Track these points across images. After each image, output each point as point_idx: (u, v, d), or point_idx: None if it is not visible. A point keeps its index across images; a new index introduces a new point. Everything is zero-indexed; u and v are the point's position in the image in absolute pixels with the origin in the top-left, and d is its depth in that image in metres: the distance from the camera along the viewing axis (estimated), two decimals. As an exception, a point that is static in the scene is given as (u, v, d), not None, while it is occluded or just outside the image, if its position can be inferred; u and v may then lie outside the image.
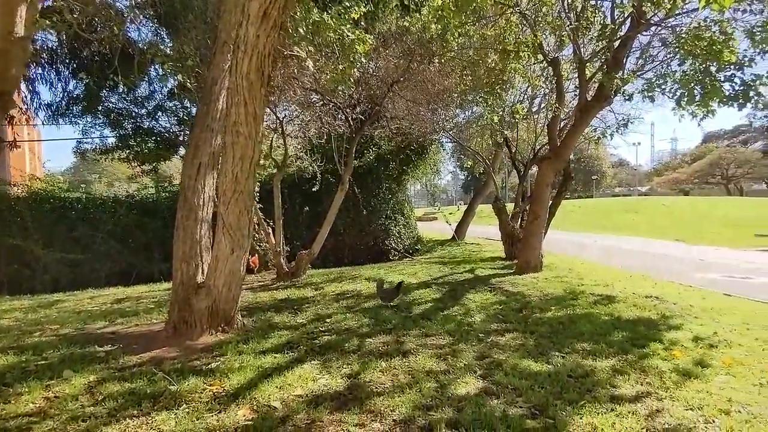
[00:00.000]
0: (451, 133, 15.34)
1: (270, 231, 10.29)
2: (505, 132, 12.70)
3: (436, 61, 9.61)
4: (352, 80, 7.81)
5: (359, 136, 9.67)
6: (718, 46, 7.62)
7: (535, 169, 13.89)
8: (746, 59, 8.01)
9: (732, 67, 8.11)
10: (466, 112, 13.93)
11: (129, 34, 10.33)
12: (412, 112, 10.72)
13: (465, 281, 9.07)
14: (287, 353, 4.75)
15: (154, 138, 14.20)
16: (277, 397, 3.64)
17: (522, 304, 6.87)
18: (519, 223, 13.18)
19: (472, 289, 8.08)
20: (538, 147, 13.88)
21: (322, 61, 7.67)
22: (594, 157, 61.40)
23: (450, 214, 35.68)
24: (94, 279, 12.61)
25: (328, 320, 6.14)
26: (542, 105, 14.24)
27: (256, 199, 12.44)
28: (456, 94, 10.40)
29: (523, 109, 10.73)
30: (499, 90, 9.74)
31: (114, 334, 5.81)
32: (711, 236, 20.98)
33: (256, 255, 12.43)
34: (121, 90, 13.23)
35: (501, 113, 10.36)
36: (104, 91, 13.38)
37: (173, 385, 3.90)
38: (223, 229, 5.19)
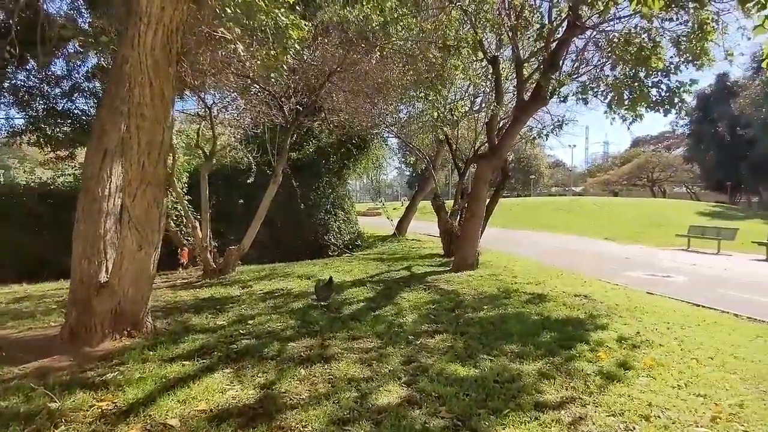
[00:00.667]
0: (393, 128, 15.17)
1: (197, 224, 9.63)
2: (446, 129, 12.68)
3: (377, 53, 9.36)
4: (286, 68, 7.41)
5: (294, 127, 9.22)
6: (647, 53, 7.88)
7: (474, 167, 14.03)
8: (672, 66, 8.36)
9: (659, 73, 8.44)
10: (408, 108, 13.79)
11: (43, 5, 9.28)
12: (352, 104, 10.40)
13: (401, 279, 8.90)
14: (198, 360, 4.31)
15: (70, 121, 12.91)
16: (177, 413, 3.23)
17: (455, 304, 6.78)
18: (458, 220, 13.24)
19: (407, 288, 7.91)
20: (478, 145, 14.01)
21: (253, 46, 7.17)
22: (532, 158, 63.71)
23: (394, 209, 35.71)
24: (0, 275, 11.32)
25: (250, 322, 5.72)
26: (482, 104, 14.41)
27: (184, 190, 11.76)
28: (397, 89, 10.18)
29: (463, 106, 10.73)
30: (439, 86, 9.62)
31: (-1, 341, 5.10)
32: (637, 235, 22.24)
33: (186, 250, 11.67)
34: (30, 66, 11.90)
35: (441, 109, 10.28)
36: (10, 67, 11.97)
37: (55, 401, 3.39)
38: (129, 223, 4.65)
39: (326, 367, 4.11)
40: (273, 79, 8.10)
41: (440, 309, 6.44)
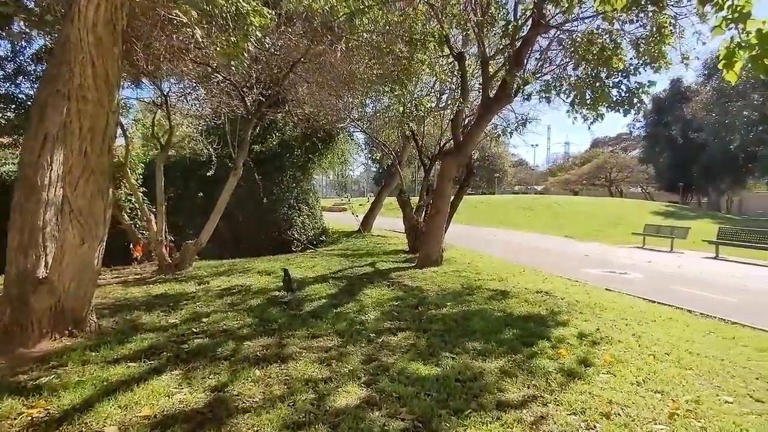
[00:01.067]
0: (359, 123, 14.99)
1: (152, 218, 9.18)
2: (412, 125, 12.61)
3: (343, 45, 9.15)
4: (247, 56, 7.12)
5: (256, 118, 8.91)
6: (609, 53, 8.02)
7: (440, 163, 14.04)
8: (632, 68, 8.55)
9: (619, 74, 8.62)
10: (374, 103, 13.64)
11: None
12: (317, 97, 10.16)
13: (364, 275, 8.77)
14: (145, 362, 4.04)
15: (13, 106, 12.08)
16: (117, 420, 2.99)
17: (419, 300, 6.70)
18: (423, 216, 13.22)
19: (370, 284, 7.79)
20: (443, 142, 14.02)
21: (212, 32, 6.85)
22: (496, 156, 64.79)
23: (360, 205, 35.47)
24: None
25: (204, 320, 5.45)
26: (448, 101, 14.43)
27: (139, 182, 11.21)
28: (363, 82, 10.00)
29: (429, 101, 10.68)
30: (405, 80, 9.51)
31: None
32: (595, 234, 22.92)
33: (140, 244, 11.14)
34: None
35: (407, 105, 10.19)
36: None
37: (-24, 410, 3.08)
38: (70, 214, 4.32)
39: (283, 367, 3.93)
40: (234, 68, 7.79)
41: (403, 306, 6.34)
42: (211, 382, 3.61)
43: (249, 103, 8.70)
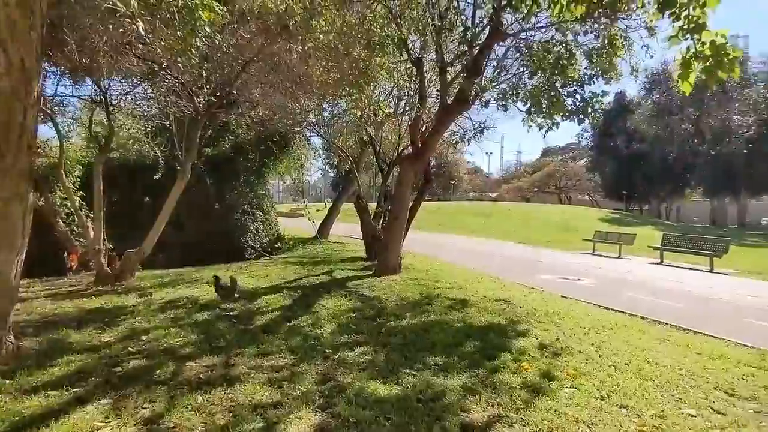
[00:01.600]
0: (316, 127, 14.65)
1: (89, 224, 8.46)
2: (370, 130, 12.41)
3: (299, 47, 8.83)
4: (195, 52, 6.68)
5: (205, 119, 8.39)
6: (564, 62, 8.13)
7: (398, 169, 13.92)
8: (586, 77, 8.73)
9: (574, 84, 8.77)
10: (332, 107, 13.35)
11: None
12: (272, 99, 9.74)
13: (321, 285, 8.43)
14: (69, 389, 3.57)
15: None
16: (26, 466, 2.56)
17: (377, 311, 6.45)
18: (381, 223, 13.01)
19: (326, 294, 7.46)
20: (401, 148, 13.90)
21: (157, 25, 6.38)
22: (453, 164, 65.80)
23: (317, 211, 34.91)
24: None
25: (143, 338, 4.97)
26: (406, 107, 14.35)
27: (76, 185, 10.38)
28: (320, 86, 9.69)
29: (387, 106, 10.52)
30: (363, 84, 9.30)
31: None
32: (548, 240, 23.52)
33: (76, 252, 10.29)
34: None
35: (365, 109, 9.98)
36: None
37: None
38: (-19, 222, 3.78)
39: (229, 391, 3.57)
40: (181, 66, 7.30)
41: (361, 318, 6.08)
42: (145, 412, 3.21)
43: (198, 104, 8.18)
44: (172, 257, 13.02)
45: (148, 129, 10.47)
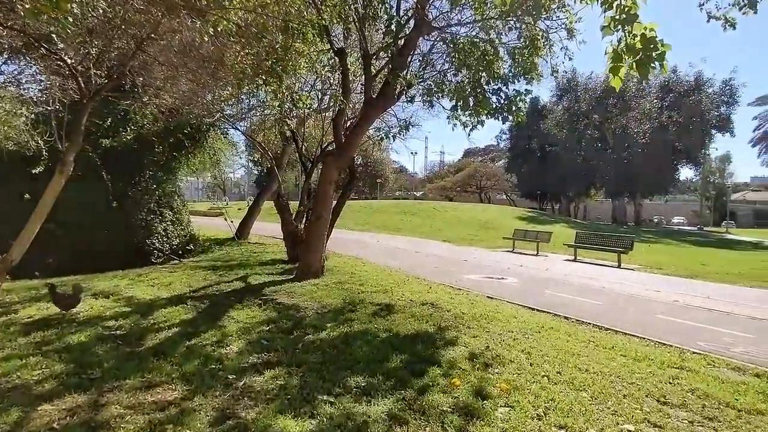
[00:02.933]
0: (232, 119, 13.56)
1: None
2: (291, 124, 11.63)
3: (210, 28, 7.89)
4: (72, 21, 5.59)
5: (92, 104, 7.16)
6: (490, 57, 7.96)
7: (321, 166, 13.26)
8: (510, 76, 8.65)
9: (499, 81, 8.65)
10: (250, 98, 12.33)
11: None
12: (179, 86, 8.66)
13: (233, 293, 7.59)
14: None
15: None
16: None
17: (294, 322, 5.80)
18: (303, 222, 12.28)
19: (238, 304, 6.67)
20: (325, 144, 13.27)
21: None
22: (379, 162, 66.01)
23: (238, 209, 33.10)
24: None
25: (-9, 371, 3.94)
26: (330, 102, 13.72)
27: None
28: (232, 72, 8.78)
29: (308, 98, 9.83)
30: (281, 72, 8.54)
31: None
32: (471, 238, 23.96)
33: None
34: None
35: (285, 100, 9.23)
36: None
37: None
38: None
39: (92, 443, 2.78)
40: (56, 37, 6.13)
41: (275, 331, 5.40)
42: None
43: (85, 86, 6.95)
44: (62, 263, 11.38)
45: (26, 114, 8.89)
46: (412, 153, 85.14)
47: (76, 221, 11.51)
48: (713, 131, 46.74)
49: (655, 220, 59.94)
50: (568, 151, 52.93)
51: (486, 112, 8.60)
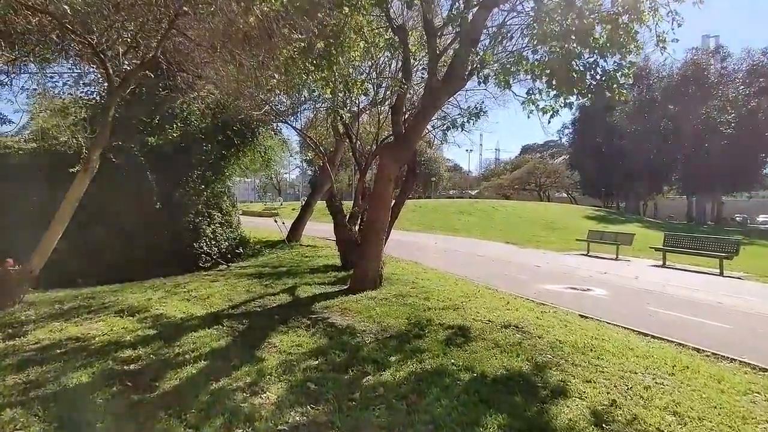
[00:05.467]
0: (282, 113, 12.69)
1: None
2: (345, 115, 10.50)
3: (256, 9, 6.87)
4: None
5: (120, 92, 6.30)
6: (588, 20, 6.40)
7: (377, 163, 12.09)
8: (609, 46, 7.00)
9: (596, 54, 7.06)
10: (300, 89, 11.29)
11: None
12: (220, 71, 7.72)
13: (278, 309, 6.49)
14: None
15: None
16: None
17: (350, 354, 4.58)
18: (357, 224, 11.13)
19: (282, 326, 5.54)
20: (382, 139, 12.08)
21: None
22: (432, 160, 64.30)
23: (293, 210, 32.72)
24: None
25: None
26: (386, 93, 12.51)
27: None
28: (280, 54, 7.74)
29: (363, 84, 8.62)
30: (335, 53, 7.39)
31: None
32: (536, 239, 21.99)
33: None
34: None
35: (337, 87, 8.11)
36: None
37: None
38: None
39: None
40: (70, 14, 5.27)
41: (326, 368, 4.19)
42: None
43: (114, 71, 6.11)
44: (107, 270, 10.88)
45: (63, 108, 8.32)
46: (467, 150, 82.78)
47: (119, 225, 10.97)
48: (812, 118, 41.27)
49: (738, 218, 54.20)
50: (638, 145, 48.86)
51: (580, 90, 7.05)
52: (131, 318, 5.72)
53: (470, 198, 61.38)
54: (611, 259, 15.76)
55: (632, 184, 54.07)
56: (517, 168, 73.36)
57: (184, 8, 5.58)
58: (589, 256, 16.60)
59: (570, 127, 61.52)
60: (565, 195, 72.54)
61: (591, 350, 5.13)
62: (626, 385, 4.09)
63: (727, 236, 19.63)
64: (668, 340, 5.98)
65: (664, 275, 12.30)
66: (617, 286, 10.36)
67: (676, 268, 13.75)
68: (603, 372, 4.41)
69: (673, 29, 7.10)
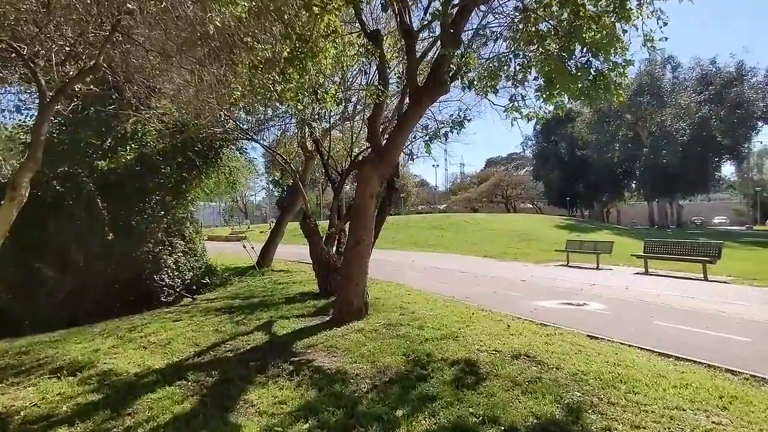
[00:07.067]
0: (250, 133, 11.82)
1: None
2: (315, 129, 9.74)
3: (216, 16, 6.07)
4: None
5: (54, 105, 5.28)
6: (585, 14, 5.92)
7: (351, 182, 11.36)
8: (603, 43, 6.55)
9: (587, 52, 6.60)
10: (266, 102, 10.46)
11: None
12: (171, 80, 6.84)
13: (254, 351, 5.57)
14: None
15: None
16: None
17: (347, 410, 3.74)
18: (335, 247, 10.30)
19: (260, 375, 4.64)
20: (356, 152, 11.37)
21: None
22: (402, 176, 64.15)
23: (261, 233, 31.43)
24: None
25: None
26: (357, 106, 11.87)
27: None
28: (242, 62, 6.93)
29: (338, 92, 7.90)
30: (305, 58, 6.66)
31: None
32: (513, 252, 21.61)
33: None
34: None
35: (306, 96, 7.39)
36: None
37: None
38: None
39: None
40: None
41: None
42: None
43: (42, 79, 5.14)
44: (56, 308, 9.65)
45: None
46: (433, 166, 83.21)
47: (66, 259, 9.75)
48: (760, 123, 43.34)
49: (697, 221, 56.17)
50: (599, 155, 50.14)
51: (574, 91, 6.56)
52: (71, 378, 4.64)
53: (439, 212, 61.31)
54: (592, 268, 15.47)
55: (596, 192, 55.37)
56: (484, 181, 74.21)
57: (129, 5, 4.72)
58: (569, 266, 16.27)
59: (533, 138, 62.83)
60: (531, 205, 73.75)
61: (621, 382, 4.48)
62: (681, 429, 3.43)
63: (693, 239, 19.80)
64: (694, 361, 5.40)
65: (652, 284, 11.97)
66: (611, 298, 9.88)
67: (659, 275, 13.51)
68: (647, 412, 3.75)
69: (661, 28, 6.72)
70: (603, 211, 60.56)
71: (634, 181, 52.57)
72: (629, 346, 6.14)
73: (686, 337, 6.62)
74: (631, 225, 52.52)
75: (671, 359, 5.53)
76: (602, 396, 4.11)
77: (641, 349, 5.97)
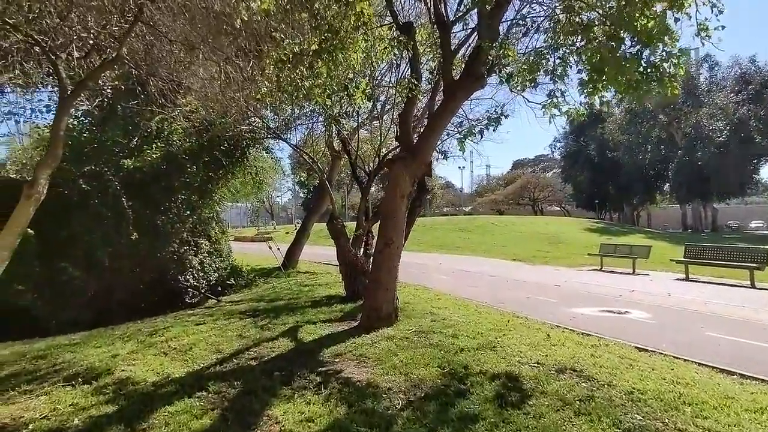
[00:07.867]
0: (273, 127, 11.59)
1: None
2: (344, 124, 9.42)
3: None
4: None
5: (74, 99, 5.09)
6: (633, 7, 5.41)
7: (380, 181, 10.99)
8: (656, 32, 6.01)
9: (638, 43, 6.07)
10: (293, 96, 10.16)
11: None
12: (195, 74, 6.61)
13: (279, 359, 5.25)
14: None
15: None
16: None
17: (381, 431, 3.37)
18: (362, 249, 9.95)
19: (286, 387, 4.30)
20: (384, 152, 11.00)
21: None
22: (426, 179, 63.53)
23: (287, 233, 31.40)
24: None
25: None
26: (386, 106, 11.49)
27: None
28: (269, 56, 6.67)
29: (366, 87, 7.55)
30: (335, 51, 6.35)
31: None
32: (542, 255, 20.90)
33: None
34: None
35: (334, 90, 7.07)
36: None
37: None
38: None
39: None
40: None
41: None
42: None
43: (64, 72, 4.95)
44: (84, 309, 9.61)
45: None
46: (459, 167, 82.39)
47: (92, 259, 9.67)
48: (802, 123, 41.05)
49: (733, 225, 53.70)
50: (631, 156, 48.54)
51: (623, 85, 6.04)
52: (86, 387, 4.39)
53: (465, 214, 60.48)
54: (628, 273, 14.76)
55: (626, 195, 53.63)
56: (510, 183, 72.98)
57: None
58: (604, 271, 15.57)
59: (561, 140, 61.40)
60: (558, 208, 72.09)
61: (684, 404, 3.99)
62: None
63: (733, 243, 18.73)
64: (763, 380, 4.83)
65: (696, 290, 11.23)
66: (654, 306, 9.24)
67: (702, 281, 12.73)
68: (723, 440, 3.26)
69: (716, 16, 6.12)
70: (633, 214, 58.63)
71: (667, 184, 50.60)
72: (684, 360, 5.59)
73: (745, 350, 6.03)
74: (662, 228, 50.69)
75: (735, 377, 4.97)
76: (666, 420, 3.63)
77: (698, 364, 5.41)
